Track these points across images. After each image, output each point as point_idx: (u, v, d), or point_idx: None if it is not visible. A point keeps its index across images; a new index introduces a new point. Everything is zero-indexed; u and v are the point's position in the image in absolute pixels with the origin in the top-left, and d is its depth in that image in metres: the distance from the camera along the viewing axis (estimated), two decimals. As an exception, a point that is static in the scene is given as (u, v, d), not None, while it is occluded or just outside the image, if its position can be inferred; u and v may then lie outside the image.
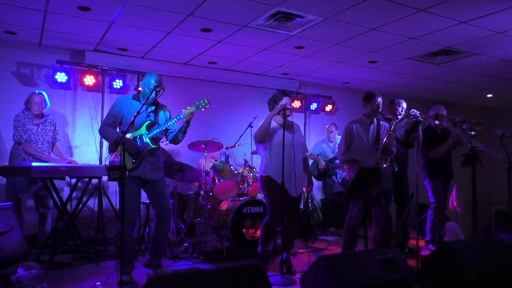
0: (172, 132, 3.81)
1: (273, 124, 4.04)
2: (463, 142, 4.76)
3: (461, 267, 3.31)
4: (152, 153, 3.68)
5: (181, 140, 3.83)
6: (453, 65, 6.08)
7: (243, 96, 6.95)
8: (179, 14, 4.27)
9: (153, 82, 3.59)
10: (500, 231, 7.23)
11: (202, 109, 3.69)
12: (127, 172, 3.51)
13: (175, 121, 3.69)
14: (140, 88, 3.55)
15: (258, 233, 4.76)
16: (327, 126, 6.67)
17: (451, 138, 4.78)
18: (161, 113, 3.79)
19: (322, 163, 6.43)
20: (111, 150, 3.08)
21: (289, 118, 3.98)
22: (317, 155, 6.59)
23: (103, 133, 3.71)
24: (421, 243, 5.23)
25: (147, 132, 3.62)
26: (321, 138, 6.81)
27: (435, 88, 7.64)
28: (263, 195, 4.30)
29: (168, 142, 3.94)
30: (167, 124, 3.67)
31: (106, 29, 4.74)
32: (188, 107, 3.65)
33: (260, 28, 4.66)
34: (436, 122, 4.52)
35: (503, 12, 4.09)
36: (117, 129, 3.70)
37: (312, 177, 6.50)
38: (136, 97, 3.70)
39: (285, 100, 4.00)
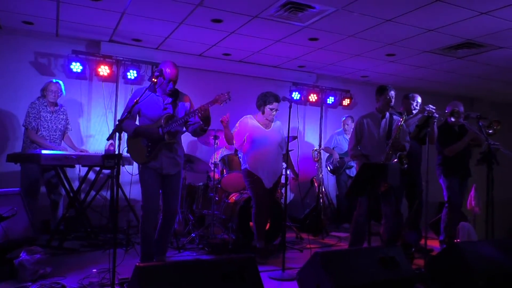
0: (192, 124, 3.63)
1: (253, 122, 4.34)
2: (482, 140, 4.56)
3: (469, 269, 3.19)
4: (169, 147, 3.51)
5: (202, 135, 3.69)
6: (476, 59, 5.82)
7: (259, 89, 6.77)
8: (188, 4, 4.25)
9: (168, 71, 3.43)
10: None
11: (221, 104, 3.43)
12: (139, 165, 3.51)
13: (189, 116, 3.47)
14: (154, 79, 3.38)
15: (266, 226, 4.73)
16: (344, 118, 6.56)
17: (468, 136, 4.58)
18: (180, 105, 3.62)
19: (336, 156, 6.32)
20: (112, 137, 2.94)
21: (269, 119, 4.32)
22: (332, 148, 6.48)
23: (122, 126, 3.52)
24: (436, 243, 5.08)
25: (163, 126, 3.45)
26: (337, 131, 6.69)
27: (458, 82, 7.36)
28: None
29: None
30: (183, 119, 3.46)
31: (118, 19, 4.78)
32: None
33: (271, 18, 4.59)
34: (452, 119, 4.35)
35: (526, 3, 3.88)
36: (136, 121, 3.61)
37: (327, 171, 6.49)
38: (151, 88, 3.46)
39: (274, 105, 4.27)
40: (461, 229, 4.54)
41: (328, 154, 6.59)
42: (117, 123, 3.07)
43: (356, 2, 4.05)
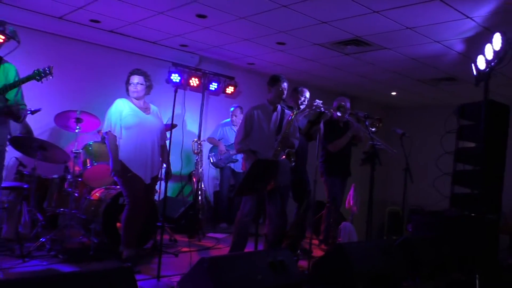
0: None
1: (129, 104, 4.01)
2: (363, 137, 5.01)
3: (351, 271, 3.47)
4: None
5: (18, 119, 3.40)
6: (362, 57, 6.39)
7: (133, 66, 6.40)
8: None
9: None
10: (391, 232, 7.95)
11: (41, 81, 3.22)
12: None
13: None
14: None
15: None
16: (232, 109, 6.59)
17: (351, 131, 4.98)
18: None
19: (222, 148, 6.34)
20: None
21: (138, 100, 4.06)
22: (219, 139, 6.47)
23: None
24: (315, 242, 5.44)
25: None
26: (223, 121, 6.69)
27: (343, 80, 8.01)
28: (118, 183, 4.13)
29: None
30: None
31: None
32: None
33: (156, -15, 4.34)
34: (338, 113, 4.68)
35: (415, 6, 4.34)
36: None
37: (211, 165, 6.46)
38: None
39: (133, 78, 4.02)
40: (342, 229, 4.93)
41: (211, 146, 6.57)
42: None
43: (254, -19, 4.07)
